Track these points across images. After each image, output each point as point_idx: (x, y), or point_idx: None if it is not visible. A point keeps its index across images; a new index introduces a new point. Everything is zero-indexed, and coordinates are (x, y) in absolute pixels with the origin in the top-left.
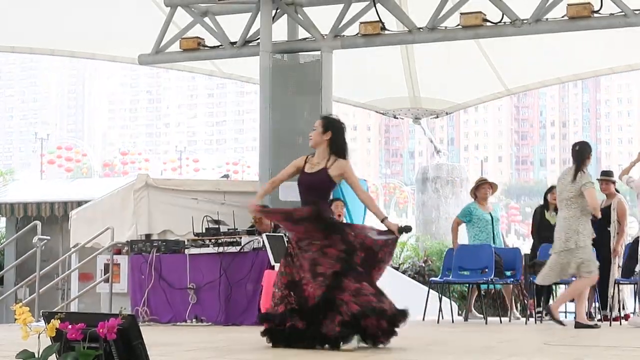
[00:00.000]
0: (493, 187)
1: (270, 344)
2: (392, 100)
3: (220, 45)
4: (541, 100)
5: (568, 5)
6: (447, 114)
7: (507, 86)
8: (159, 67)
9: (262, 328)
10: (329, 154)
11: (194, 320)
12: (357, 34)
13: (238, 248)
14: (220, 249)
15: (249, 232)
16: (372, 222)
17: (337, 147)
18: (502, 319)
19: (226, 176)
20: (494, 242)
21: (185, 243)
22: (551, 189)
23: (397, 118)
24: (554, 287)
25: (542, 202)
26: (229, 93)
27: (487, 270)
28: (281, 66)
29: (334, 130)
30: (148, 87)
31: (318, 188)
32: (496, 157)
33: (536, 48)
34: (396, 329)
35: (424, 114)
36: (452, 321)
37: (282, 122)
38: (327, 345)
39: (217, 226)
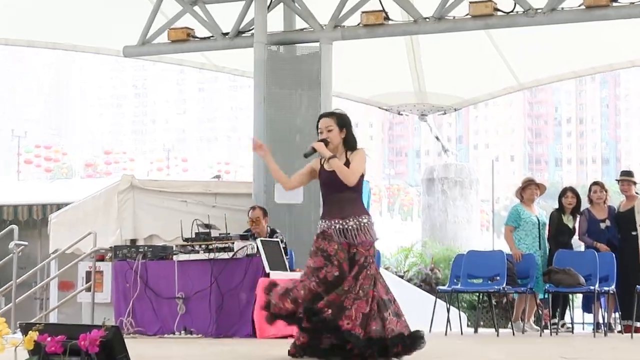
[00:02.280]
0: (540, 188)
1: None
2: (396, 95)
3: (212, 36)
4: (556, 95)
5: None
6: (455, 110)
7: (519, 80)
8: (146, 59)
9: (255, 341)
10: (344, 150)
11: (182, 332)
12: (358, 24)
13: (230, 254)
14: (211, 255)
15: (242, 237)
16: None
17: (351, 143)
18: (514, 330)
19: (218, 177)
20: (539, 248)
21: (174, 249)
22: (565, 192)
23: (401, 114)
24: (570, 296)
25: (557, 206)
26: (220, 87)
27: (498, 278)
28: (277, 58)
29: (347, 127)
30: (134, 81)
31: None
32: (508, 156)
33: (551, 39)
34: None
35: (431, 110)
36: (461, 333)
37: (278, 119)
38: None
39: (207, 231)
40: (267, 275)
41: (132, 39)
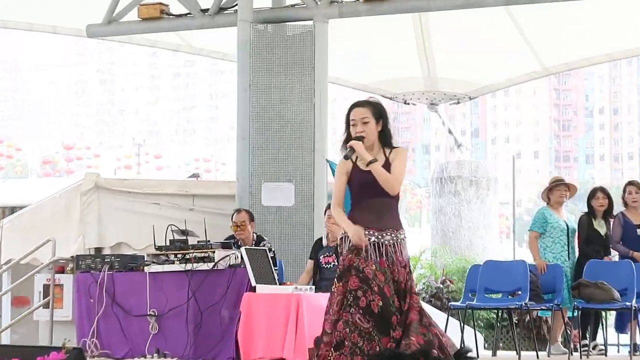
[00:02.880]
0: (571, 189)
1: None
2: (402, 81)
3: (189, 14)
4: (587, 81)
5: None
6: (470, 98)
7: (544, 64)
8: (112, 40)
9: None
10: (381, 147)
11: (155, 354)
12: (357, 0)
13: (210, 265)
14: (189, 266)
15: (225, 246)
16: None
17: (388, 138)
18: (539, 352)
19: (196, 175)
20: (568, 258)
21: (145, 259)
22: (595, 193)
23: (408, 104)
24: (603, 314)
25: (587, 209)
26: (199, 72)
27: (520, 292)
28: (264, 39)
29: (385, 119)
30: (99, 65)
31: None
32: (531, 152)
33: (581, 17)
34: None
35: (442, 98)
36: (477, 356)
37: (266, 109)
38: None
39: (184, 238)
40: (253, 289)
41: (97, 17)
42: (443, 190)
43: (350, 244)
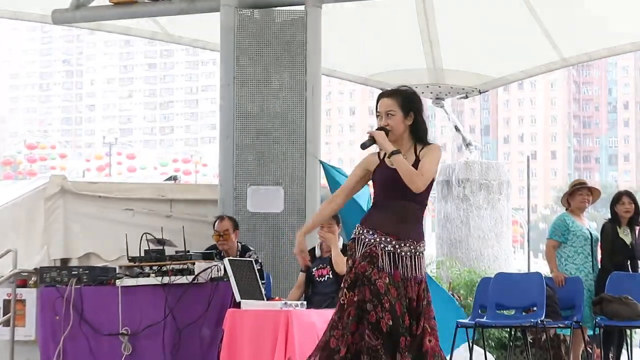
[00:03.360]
0: (594, 193)
1: None
2: (403, 73)
3: None
4: (610, 73)
5: None
6: (480, 92)
7: (563, 54)
8: (81, 27)
9: None
10: (412, 144)
11: None
12: None
13: (190, 278)
14: (165, 280)
15: (206, 257)
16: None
17: (420, 133)
18: None
19: (174, 178)
20: (592, 270)
21: (117, 271)
22: (620, 198)
23: None
24: (627, 332)
25: (610, 216)
26: (177, 63)
27: (535, 308)
28: (250, 26)
29: (416, 111)
30: (65, 54)
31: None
32: (548, 152)
33: (603, 2)
34: None
35: (449, 92)
36: None
37: (252, 104)
38: None
39: (160, 248)
40: (237, 305)
41: (63, 1)
42: (449, 195)
43: (364, 250)
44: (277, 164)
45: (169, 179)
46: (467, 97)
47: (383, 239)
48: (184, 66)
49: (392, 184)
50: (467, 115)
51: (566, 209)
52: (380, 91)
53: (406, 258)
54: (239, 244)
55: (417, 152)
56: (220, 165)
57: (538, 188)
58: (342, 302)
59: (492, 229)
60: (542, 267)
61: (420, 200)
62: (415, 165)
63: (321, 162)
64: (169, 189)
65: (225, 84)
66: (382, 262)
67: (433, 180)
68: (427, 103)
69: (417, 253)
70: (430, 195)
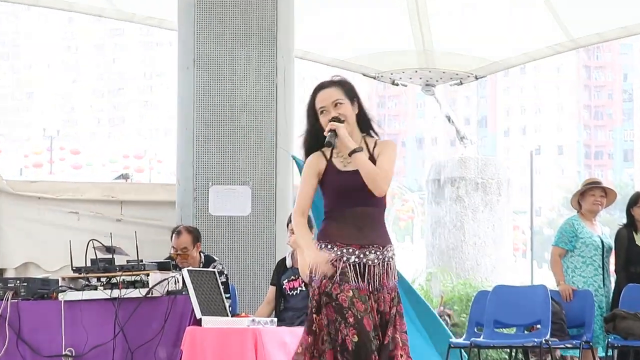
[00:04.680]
0: (609, 194)
1: None
2: (389, 56)
3: None
4: (626, 57)
5: None
6: (476, 78)
7: (571, 35)
8: (17, 2)
9: None
10: (362, 137)
11: None
12: None
13: (144, 291)
14: (115, 293)
15: (162, 267)
16: None
17: (367, 124)
18: None
19: (125, 176)
20: (603, 284)
21: (59, 283)
22: (637, 200)
23: (397, 85)
24: None
25: (625, 220)
26: (129, 45)
27: (539, 326)
28: (213, 1)
29: (359, 98)
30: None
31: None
32: (554, 146)
33: None
34: None
35: (440, 78)
36: None
37: (215, 91)
38: None
39: (109, 257)
40: (198, 322)
41: None
42: (441, 196)
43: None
44: (244, 160)
45: (120, 177)
46: (461, 83)
47: (345, 250)
48: (136, 48)
49: (348, 189)
50: (462, 105)
51: (577, 212)
52: (363, 77)
53: (374, 266)
54: (201, 254)
55: (370, 149)
56: (178, 161)
57: (543, 188)
58: (313, 327)
59: (489, 234)
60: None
61: (380, 203)
62: (372, 160)
63: (294, 157)
64: (119, 189)
65: (184, 68)
66: (346, 275)
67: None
68: (416, 90)
69: (386, 259)
70: (419, 196)
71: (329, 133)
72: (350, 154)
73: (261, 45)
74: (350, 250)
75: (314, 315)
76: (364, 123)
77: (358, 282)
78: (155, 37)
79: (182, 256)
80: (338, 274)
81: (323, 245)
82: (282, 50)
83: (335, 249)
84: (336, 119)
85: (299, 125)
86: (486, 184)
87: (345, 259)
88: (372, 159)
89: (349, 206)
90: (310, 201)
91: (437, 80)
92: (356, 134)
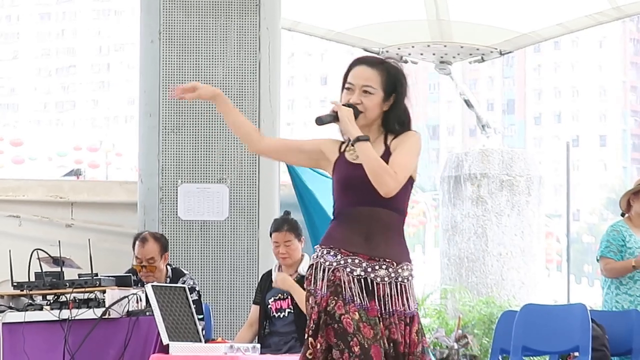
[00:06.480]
0: None
1: None
2: (396, 27)
3: None
4: None
5: None
6: (501, 54)
7: (616, 1)
8: None
9: None
10: (382, 132)
11: None
12: None
13: (99, 312)
14: (65, 314)
15: (121, 282)
16: None
17: (396, 123)
18: None
19: (76, 173)
20: None
21: None
22: None
23: (406, 62)
24: None
25: None
26: (80, 13)
27: (577, 354)
28: None
29: (399, 94)
30: None
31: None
32: (596, 136)
33: None
34: None
35: (458, 53)
36: None
37: (185, 70)
38: None
39: (57, 270)
40: (165, 348)
41: None
42: (459, 197)
43: (327, 277)
44: (220, 154)
45: (70, 173)
46: (483, 60)
47: (350, 260)
48: (89, 17)
49: (357, 184)
50: (484, 86)
51: (622, 216)
52: (362, 53)
53: (383, 286)
54: (168, 267)
55: (388, 143)
56: (140, 155)
57: (581, 187)
58: (308, 356)
59: (517, 243)
60: (586, 296)
61: (395, 206)
62: (386, 158)
63: None
64: (69, 187)
65: (148, 42)
66: (350, 291)
67: (413, 181)
68: (429, 68)
69: (400, 279)
70: (432, 196)
71: (329, 114)
72: (353, 143)
73: (241, 15)
74: (357, 261)
75: (311, 340)
76: (393, 121)
77: (364, 301)
78: (112, 4)
79: (148, 268)
80: (344, 289)
81: (325, 251)
82: (266, 21)
83: (339, 256)
84: (350, 106)
85: (287, 111)
86: (513, 182)
87: (349, 270)
88: (388, 153)
89: (354, 205)
90: (282, 144)
91: (453, 57)
92: (376, 129)
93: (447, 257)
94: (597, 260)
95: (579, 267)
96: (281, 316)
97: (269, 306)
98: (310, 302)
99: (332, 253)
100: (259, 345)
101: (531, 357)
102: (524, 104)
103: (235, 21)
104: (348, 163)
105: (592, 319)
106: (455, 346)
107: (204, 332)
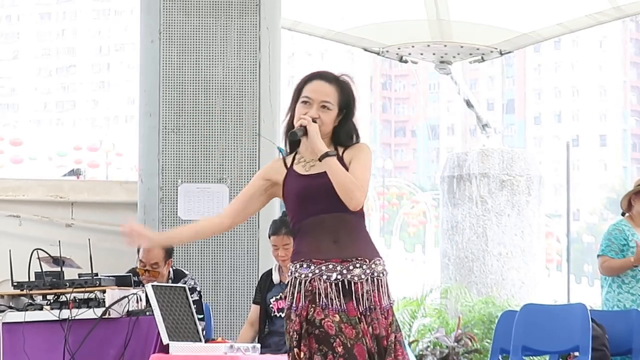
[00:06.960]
0: None
1: None
2: (396, 27)
3: None
4: None
5: None
6: (501, 53)
7: (616, 1)
8: None
9: None
10: (332, 145)
11: None
12: None
13: (99, 312)
14: (65, 314)
15: (121, 282)
16: None
17: (346, 137)
18: None
19: (76, 173)
20: None
21: None
22: None
23: (405, 62)
24: None
25: None
26: (80, 13)
27: (577, 354)
28: None
29: (350, 109)
30: None
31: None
32: (596, 135)
33: None
34: None
35: (458, 53)
36: None
37: (185, 70)
38: None
39: (57, 269)
40: (165, 348)
41: None
42: (459, 196)
43: (304, 289)
44: (220, 153)
45: (70, 173)
46: (483, 60)
47: (324, 267)
48: (89, 17)
49: (314, 194)
50: (484, 85)
51: (623, 215)
52: (363, 52)
53: (361, 283)
54: (171, 269)
55: (340, 155)
56: (140, 154)
57: (582, 187)
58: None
59: (517, 243)
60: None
61: (359, 210)
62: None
63: (280, 150)
64: (69, 187)
65: (148, 42)
66: (326, 298)
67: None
68: (428, 68)
69: (375, 274)
70: (432, 196)
71: (299, 127)
72: (321, 159)
73: (242, 15)
74: (330, 266)
75: (295, 350)
76: (344, 135)
77: (342, 303)
78: (112, 4)
79: (151, 273)
80: (321, 297)
81: (298, 266)
82: (266, 21)
83: (313, 267)
84: (313, 120)
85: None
86: (513, 182)
87: (325, 277)
88: (344, 166)
89: (317, 213)
90: (239, 205)
91: (453, 57)
92: (325, 144)
93: (447, 256)
94: (598, 258)
95: (579, 267)
96: (282, 316)
97: (270, 306)
98: (292, 317)
99: (304, 266)
100: (259, 345)
101: (531, 357)
102: (524, 103)
103: (235, 21)
104: (301, 176)
105: (592, 318)
106: (456, 346)
107: (204, 331)
